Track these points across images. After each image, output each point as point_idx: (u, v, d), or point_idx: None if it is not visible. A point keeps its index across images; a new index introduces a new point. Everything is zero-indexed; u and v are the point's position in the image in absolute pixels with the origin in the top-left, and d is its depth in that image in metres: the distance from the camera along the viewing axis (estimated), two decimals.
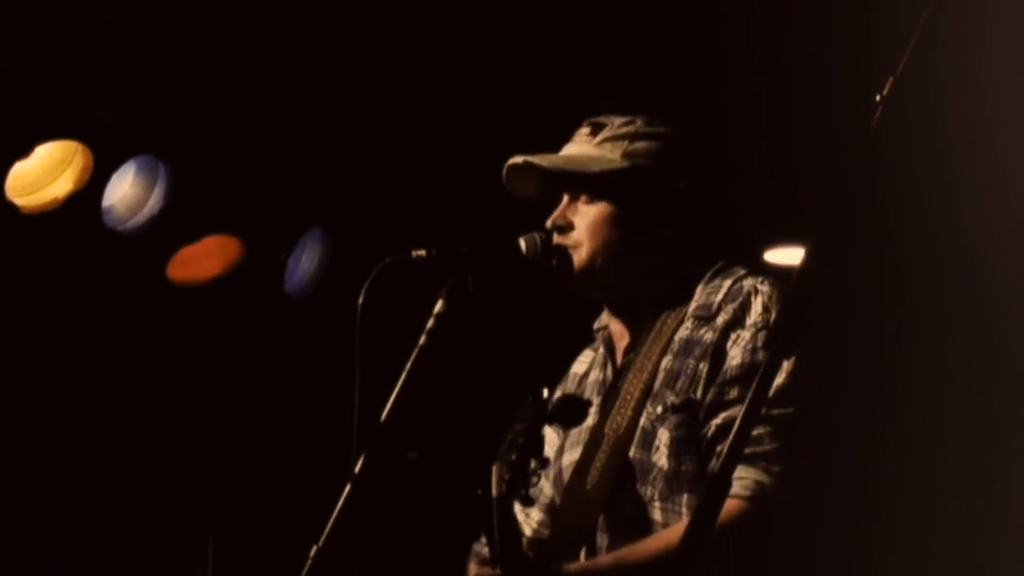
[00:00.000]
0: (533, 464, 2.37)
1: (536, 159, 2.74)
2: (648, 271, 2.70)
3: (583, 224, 2.70)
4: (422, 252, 2.68)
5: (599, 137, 2.73)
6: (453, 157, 4.79)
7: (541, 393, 2.53)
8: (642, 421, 2.58)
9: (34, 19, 4.02)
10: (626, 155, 2.69)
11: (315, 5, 4.30)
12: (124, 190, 4.39)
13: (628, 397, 2.62)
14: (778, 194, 4.82)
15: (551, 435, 2.79)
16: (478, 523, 2.44)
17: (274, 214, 4.66)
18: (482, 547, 2.78)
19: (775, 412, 2.44)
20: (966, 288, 4.75)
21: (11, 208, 4.15)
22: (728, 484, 1.86)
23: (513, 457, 2.37)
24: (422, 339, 2.67)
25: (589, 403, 2.59)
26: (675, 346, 2.61)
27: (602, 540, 2.58)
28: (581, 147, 2.75)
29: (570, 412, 2.47)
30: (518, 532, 2.43)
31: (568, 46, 4.41)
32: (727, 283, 2.64)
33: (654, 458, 2.55)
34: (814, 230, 1.84)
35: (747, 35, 4.25)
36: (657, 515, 2.54)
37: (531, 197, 2.82)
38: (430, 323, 2.68)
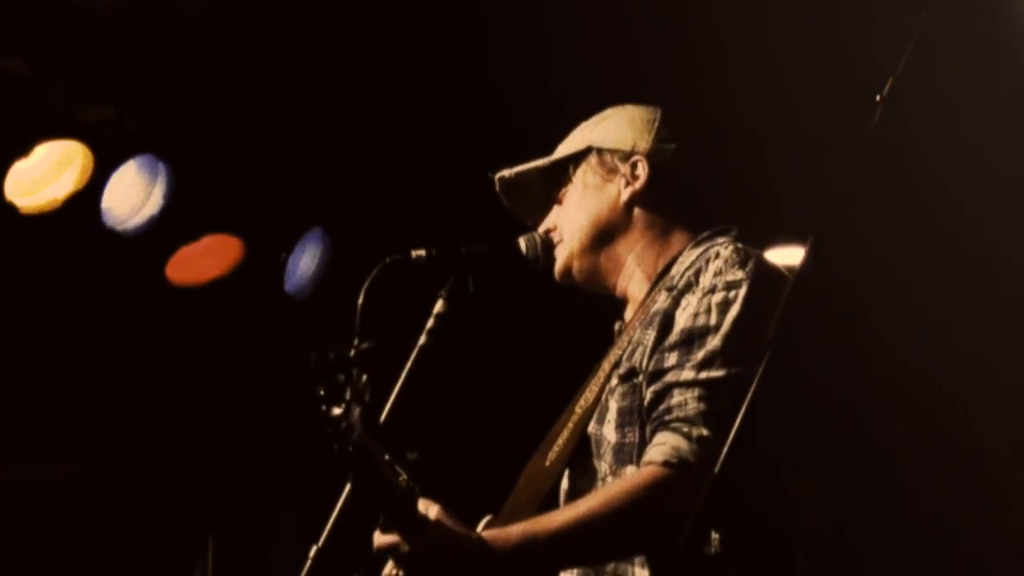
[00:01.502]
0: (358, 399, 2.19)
1: (507, 171, 2.75)
2: (632, 250, 2.66)
3: (561, 220, 2.70)
4: (422, 252, 2.68)
5: (572, 134, 2.74)
6: (453, 157, 4.79)
7: (327, 349, 2.26)
8: (604, 395, 2.53)
9: (34, 19, 4.02)
10: (586, 139, 2.69)
11: (315, 5, 4.30)
12: (124, 190, 4.39)
13: (601, 373, 2.59)
14: (778, 194, 4.82)
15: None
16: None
17: (274, 214, 4.66)
18: None
19: (704, 375, 2.37)
20: (965, 287, 4.75)
21: (11, 208, 4.15)
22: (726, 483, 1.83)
23: (334, 415, 2.17)
24: (422, 339, 2.67)
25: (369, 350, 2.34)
26: (648, 318, 2.55)
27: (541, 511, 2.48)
28: (559, 149, 2.75)
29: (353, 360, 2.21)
30: (404, 489, 2.25)
31: (568, 46, 4.41)
32: (698, 251, 2.59)
33: (605, 431, 2.49)
34: (814, 230, 1.84)
35: (747, 35, 4.25)
36: None
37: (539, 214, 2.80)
38: (430, 323, 2.68)
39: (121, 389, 4.87)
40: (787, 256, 4.90)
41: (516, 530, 2.36)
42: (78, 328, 4.72)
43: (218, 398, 5.04)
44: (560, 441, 2.57)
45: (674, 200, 2.67)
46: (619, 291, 2.71)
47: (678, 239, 2.66)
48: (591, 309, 2.85)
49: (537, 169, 2.75)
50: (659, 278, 2.62)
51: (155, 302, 4.69)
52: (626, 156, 2.67)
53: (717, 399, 2.36)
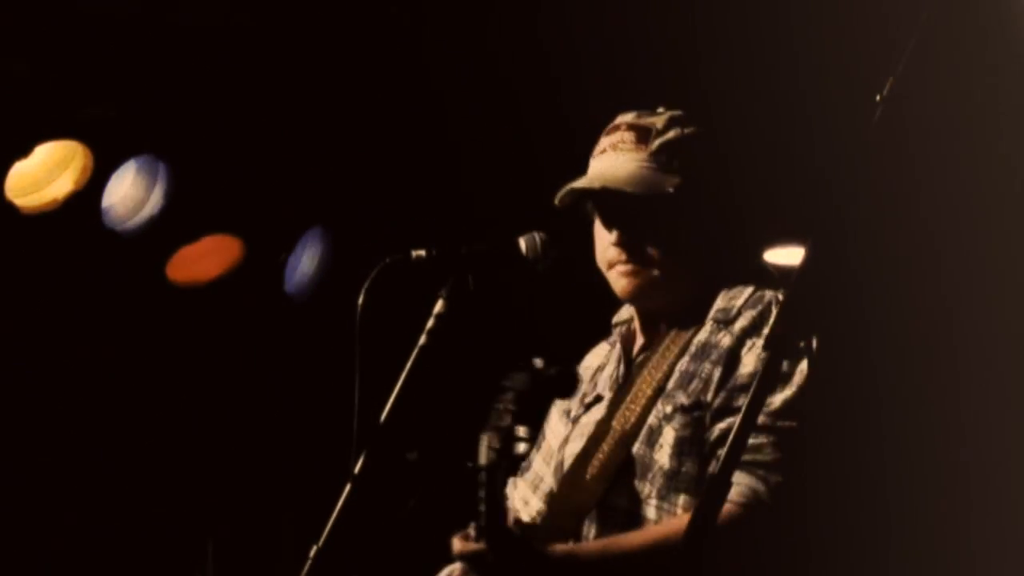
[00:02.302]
0: (523, 432, 2.36)
1: (608, 184, 2.70)
2: (681, 276, 2.69)
3: (648, 247, 2.68)
4: (422, 252, 2.68)
5: (653, 145, 2.70)
6: (453, 157, 4.79)
7: (532, 363, 2.51)
8: (650, 419, 2.58)
9: (34, 19, 4.02)
10: (681, 170, 2.68)
11: (315, 5, 4.30)
12: (124, 190, 4.39)
13: (640, 394, 2.63)
14: (778, 194, 4.81)
15: (557, 425, 2.80)
16: (468, 496, 2.43)
17: (274, 214, 4.66)
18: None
19: (780, 424, 2.46)
20: (968, 289, 4.75)
21: (11, 208, 4.15)
22: (727, 487, 1.86)
23: (503, 425, 2.36)
24: (422, 339, 2.67)
25: (578, 376, 2.59)
26: (692, 348, 2.61)
27: (590, 530, 2.58)
28: (634, 161, 2.71)
29: (561, 384, 2.46)
30: (505, 505, 2.43)
31: (567, 46, 4.41)
32: (749, 289, 2.64)
33: (656, 456, 2.55)
34: (814, 230, 1.84)
35: (747, 35, 4.25)
36: (651, 512, 2.54)
37: (571, 206, 2.79)
38: (430, 323, 2.68)
39: (121, 389, 4.87)
40: (787, 256, 4.90)
41: (591, 548, 2.50)
42: (78, 328, 4.72)
43: (218, 398, 5.04)
44: (601, 456, 2.61)
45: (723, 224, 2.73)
46: (648, 307, 2.74)
47: (715, 266, 2.70)
48: (592, 308, 2.86)
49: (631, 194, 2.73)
50: (692, 305, 2.67)
51: (155, 302, 4.69)
52: (704, 185, 2.71)
53: (790, 449, 2.46)
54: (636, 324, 2.79)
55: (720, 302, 2.65)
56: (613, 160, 2.72)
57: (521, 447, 2.43)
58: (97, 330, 4.74)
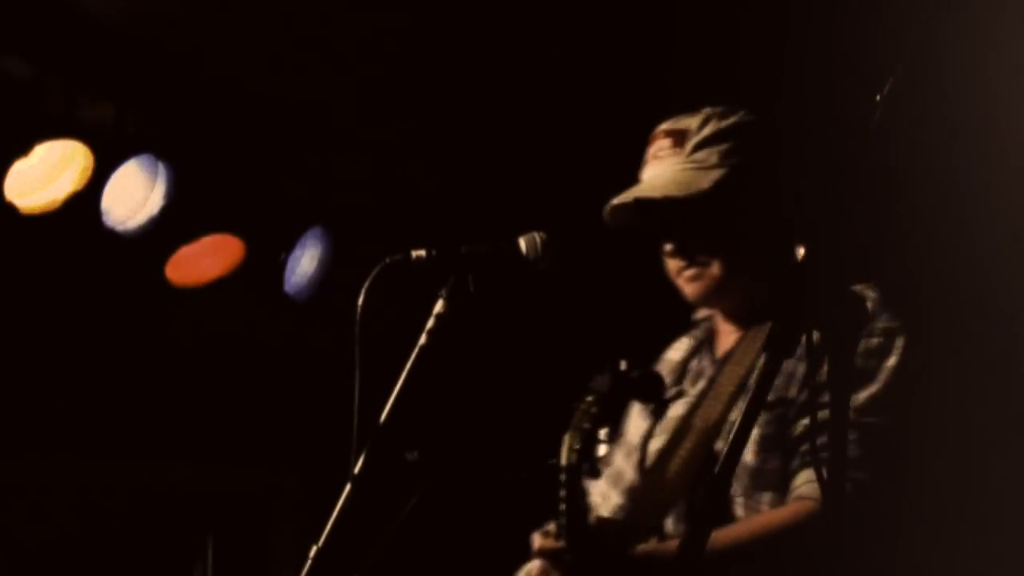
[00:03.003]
0: (604, 435, 2.37)
1: (642, 193, 2.69)
2: (746, 270, 2.68)
3: (704, 248, 2.68)
4: (422, 252, 2.68)
5: (688, 146, 2.69)
6: (453, 157, 4.79)
7: (618, 365, 2.52)
8: (732, 415, 2.56)
9: (34, 19, 4.02)
10: (720, 163, 2.66)
11: (315, 5, 4.30)
12: (124, 190, 4.39)
13: (722, 390, 2.62)
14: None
15: (638, 419, 2.78)
16: (547, 494, 2.43)
17: (274, 214, 4.66)
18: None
19: (865, 420, 2.44)
20: (973, 286, 4.75)
21: (11, 208, 4.14)
22: (727, 484, 1.85)
23: (586, 426, 2.36)
24: (422, 339, 2.67)
25: (663, 380, 2.58)
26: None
27: (675, 528, 2.58)
28: (672, 166, 2.70)
29: (647, 387, 2.46)
30: (586, 505, 2.42)
31: (566, 45, 4.41)
32: None
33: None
34: (814, 230, 1.84)
35: (746, 35, 4.25)
36: (738, 510, 2.53)
37: (630, 225, 2.78)
38: (430, 323, 2.68)
39: (120, 389, 4.86)
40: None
41: (673, 548, 2.47)
42: (78, 328, 4.72)
43: (218, 398, 5.04)
44: (683, 453, 2.60)
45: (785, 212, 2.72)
46: (729, 305, 2.73)
47: (794, 258, 2.69)
48: (589, 310, 2.86)
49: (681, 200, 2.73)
50: (775, 299, 2.62)
51: (155, 302, 4.69)
52: (753, 174, 2.72)
53: (874, 445, 2.44)
54: (717, 320, 2.78)
55: None
56: (653, 170, 2.71)
57: (602, 449, 2.44)
58: (97, 330, 4.74)
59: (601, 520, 2.54)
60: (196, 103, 4.41)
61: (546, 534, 2.46)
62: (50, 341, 4.69)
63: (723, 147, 2.66)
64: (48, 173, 4.23)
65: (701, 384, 2.71)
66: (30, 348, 4.66)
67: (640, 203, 2.69)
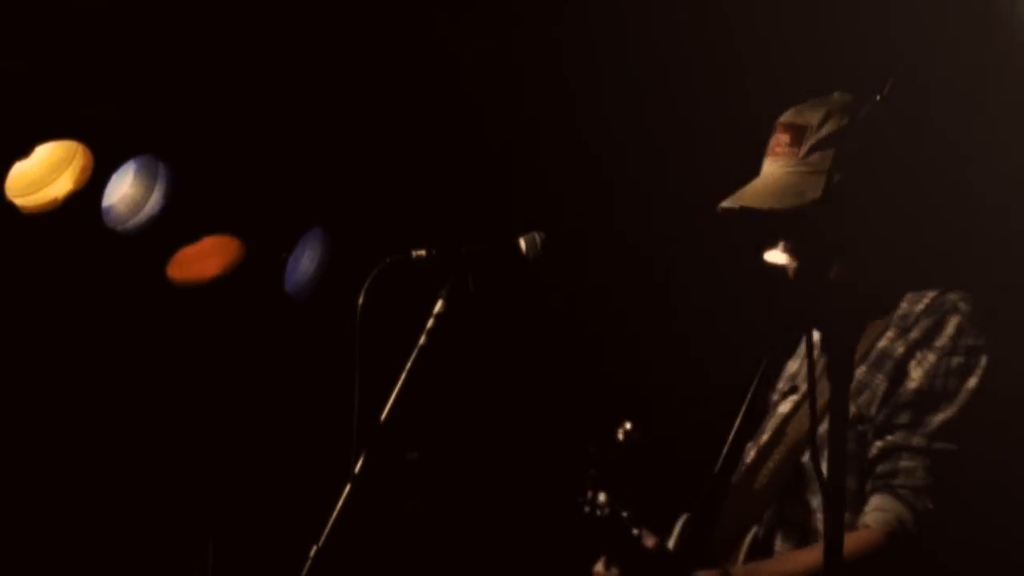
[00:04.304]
0: (603, 499, 2.36)
1: (750, 203, 2.61)
2: (860, 275, 2.58)
3: (811, 247, 2.54)
4: (422, 252, 2.68)
5: (805, 147, 2.59)
6: (453, 157, 4.79)
7: (622, 428, 2.46)
8: (821, 429, 2.46)
9: (34, 19, 4.02)
10: (838, 166, 2.48)
11: (315, 5, 4.30)
12: (124, 190, 4.39)
13: (817, 399, 2.57)
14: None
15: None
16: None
17: (274, 214, 4.66)
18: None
19: (936, 446, 2.41)
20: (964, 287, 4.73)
21: (11, 208, 4.14)
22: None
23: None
24: (422, 339, 2.67)
25: (657, 447, 2.53)
26: (873, 356, 2.53)
27: (769, 541, 2.53)
28: (785, 167, 2.61)
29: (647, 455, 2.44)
30: (641, 530, 2.38)
31: (569, 45, 4.41)
32: (932, 293, 2.54)
33: (823, 468, 2.50)
34: (814, 228, 1.84)
35: (746, 35, 4.25)
36: (818, 525, 2.47)
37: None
38: (430, 323, 2.68)
39: (121, 389, 4.86)
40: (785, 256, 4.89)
41: (768, 566, 2.46)
42: (78, 328, 4.71)
43: (218, 399, 5.03)
44: (771, 465, 2.56)
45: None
46: None
47: (899, 264, 2.62)
48: (590, 309, 2.85)
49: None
50: (876, 307, 2.57)
51: (155, 302, 4.69)
52: (869, 176, 2.60)
53: (946, 473, 2.40)
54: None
55: (905, 305, 2.55)
56: (769, 168, 2.64)
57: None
58: (97, 330, 4.73)
59: (662, 547, 2.45)
60: (196, 103, 4.40)
61: (607, 562, 2.44)
62: (50, 341, 4.69)
63: (841, 149, 2.53)
64: (48, 173, 4.23)
65: (799, 394, 2.64)
66: (30, 348, 4.65)
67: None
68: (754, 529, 2.54)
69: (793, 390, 2.68)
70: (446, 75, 4.56)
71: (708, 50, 4.34)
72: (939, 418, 2.42)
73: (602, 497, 2.33)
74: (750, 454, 2.64)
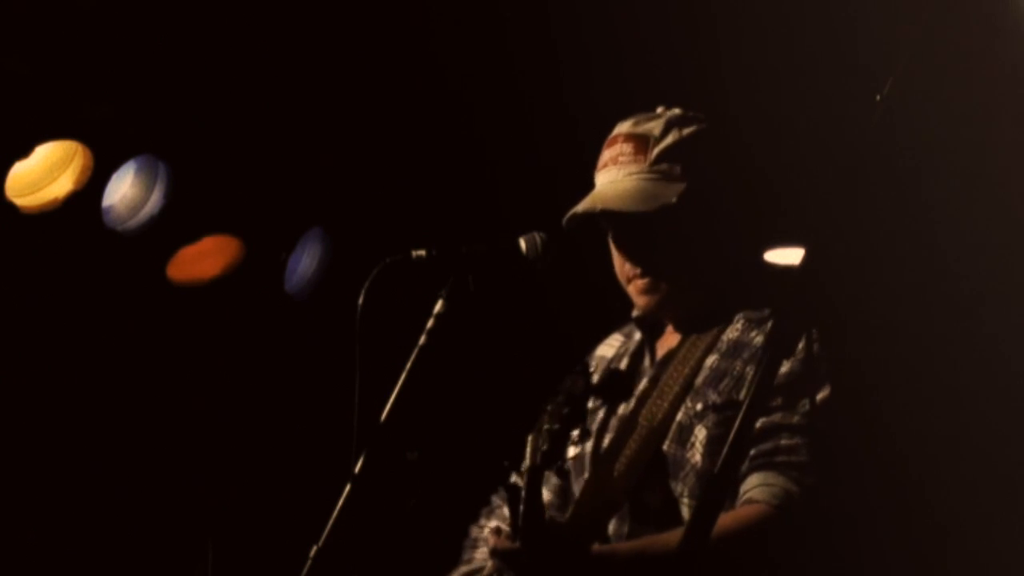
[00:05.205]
0: (575, 435, 2.38)
1: (608, 205, 2.66)
2: (699, 282, 2.69)
3: (660, 260, 2.68)
4: (422, 252, 2.68)
5: (651, 154, 2.66)
6: (453, 157, 4.79)
7: (588, 365, 2.55)
8: (679, 416, 2.56)
9: (34, 19, 4.02)
10: (684, 175, 2.64)
11: (315, 5, 4.30)
12: (124, 190, 4.39)
13: (667, 390, 2.61)
14: (777, 194, 4.81)
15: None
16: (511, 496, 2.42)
17: (274, 214, 4.66)
18: (481, 530, 2.77)
19: (817, 424, 2.45)
20: (968, 288, 4.75)
21: (11, 208, 4.15)
22: (728, 485, 1.86)
23: (555, 427, 2.37)
24: (422, 339, 2.67)
25: (633, 381, 2.58)
26: (723, 345, 2.60)
27: (622, 528, 2.56)
28: (633, 174, 2.67)
29: (616, 387, 2.50)
30: (543, 506, 2.42)
31: (565, 46, 4.41)
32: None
33: (688, 454, 2.53)
34: (814, 230, 1.84)
35: (746, 35, 4.25)
36: (685, 512, 2.52)
37: (584, 227, 2.74)
38: (430, 323, 2.68)
39: (121, 389, 4.86)
40: (787, 256, 4.90)
41: (629, 548, 2.49)
42: (78, 328, 4.72)
43: (218, 398, 5.04)
44: (628, 453, 2.59)
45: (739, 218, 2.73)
46: (674, 309, 2.72)
47: (739, 259, 2.71)
48: (590, 308, 2.86)
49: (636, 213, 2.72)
50: (719, 301, 2.66)
51: (155, 302, 4.69)
52: (712, 183, 2.71)
53: (826, 450, 2.45)
54: (664, 321, 2.76)
55: (749, 311, 2.64)
56: (614, 175, 2.69)
57: (570, 451, 2.44)
58: (97, 330, 4.74)
59: (555, 521, 2.53)
60: (196, 103, 4.41)
61: (497, 532, 2.45)
62: (50, 341, 4.69)
63: (686, 158, 2.65)
64: (48, 173, 4.24)
65: (643, 383, 2.68)
66: (30, 348, 4.66)
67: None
68: (614, 519, 2.57)
69: (632, 381, 2.71)
70: (446, 75, 4.57)
71: (708, 50, 4.35)
72: (815, 398, 2.47)
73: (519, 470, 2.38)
74: (587, 453, 2.68)
